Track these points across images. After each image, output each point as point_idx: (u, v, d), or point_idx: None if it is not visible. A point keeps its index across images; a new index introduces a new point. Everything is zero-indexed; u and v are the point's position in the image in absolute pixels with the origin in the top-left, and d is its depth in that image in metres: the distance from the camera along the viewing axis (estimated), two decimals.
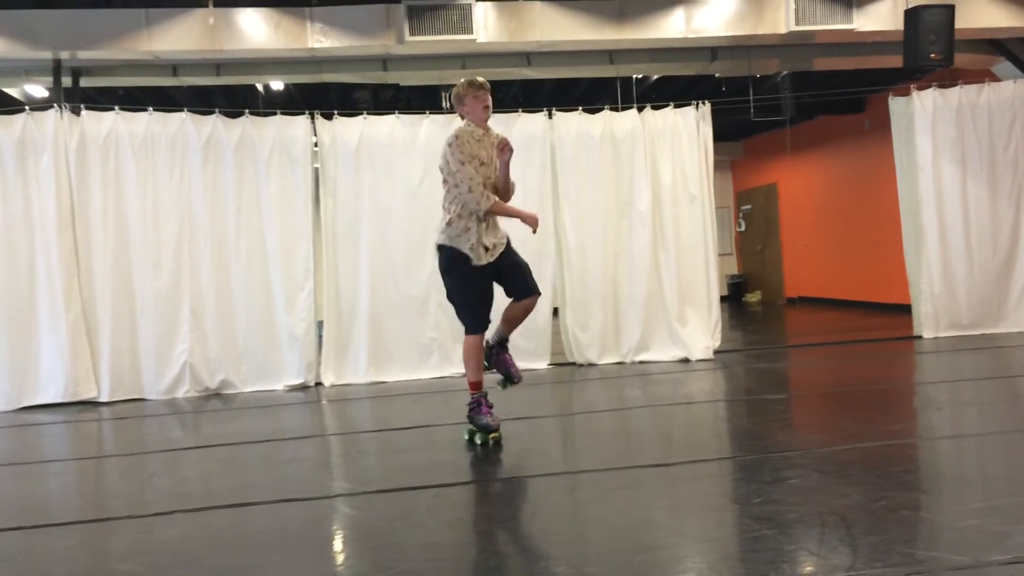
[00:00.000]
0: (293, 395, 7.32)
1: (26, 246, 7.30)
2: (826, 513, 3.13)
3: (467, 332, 4.77)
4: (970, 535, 2.83)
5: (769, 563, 2.68)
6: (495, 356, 4.93)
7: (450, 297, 4.85)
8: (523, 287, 4.79)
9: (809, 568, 2.67)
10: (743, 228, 16.86)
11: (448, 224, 4.65)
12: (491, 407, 4.79)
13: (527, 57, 8.47)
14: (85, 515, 3.87)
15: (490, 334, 4.92)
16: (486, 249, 4.65)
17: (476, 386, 4.78)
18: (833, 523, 3.01)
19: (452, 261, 4.67)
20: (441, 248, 4.72)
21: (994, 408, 5.15)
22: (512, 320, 4.88)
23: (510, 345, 5.02)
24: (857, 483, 3.50)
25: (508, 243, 4.84)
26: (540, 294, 4.85)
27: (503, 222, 4.84)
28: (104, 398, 7.33)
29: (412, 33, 7.55)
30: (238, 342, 7.60)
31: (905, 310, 9.25)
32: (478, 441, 4.68)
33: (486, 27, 7.75)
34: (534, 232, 4.78)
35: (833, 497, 3.33)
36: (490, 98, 4.76)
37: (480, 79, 4.77)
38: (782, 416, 5.43)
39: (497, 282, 4.78)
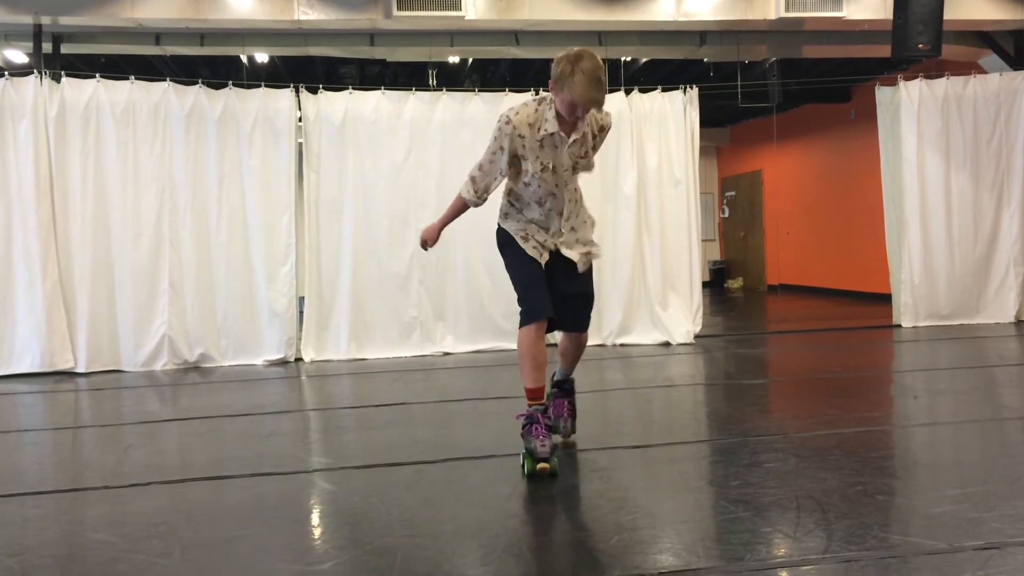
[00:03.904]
0: (272, 370, 7.29)
1: (3, 214, 7.20)
2: (802, 497, 3.14)
3: (521, 323, 3.74)
4: (944, 520, 2.85)
5: (745, 545, 2.69)
6: (551, 398, 3.97)
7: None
8: (576, 318, 3.85)
9: (784, 550, 2.68)
10: (727, 214, 16.90)
11: (508, 204, 3.86)
12: (549, 428, 3.72)
13: (516, 36, 8.41)
14: (59, 485, 3.84)
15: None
16: (541, 245, 3.75)
17: (530, 395, 3.71)
18: (809, 507, 3.03)
19: (503, 236, 3.85)
20: (499, 227, 3.91)
21: (969, 397, 5.20)
22: (565, 355, 4.03)
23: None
24: (834, 468, 3.53)
25: (589, 271, 3.83)
26: (583, 332, 3.92)
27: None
28: (81, 369, 7.27)
29: (400, 8, 7.46)
30: (218, 316, 7.55)
31: (885, 299, 9.32)
32: (524, 470, 3.61)
33: (475, 4, 7.67)
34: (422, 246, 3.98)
35: (810, 481, 3.35)
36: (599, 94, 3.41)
37: (588, 51, 3.40)
38: (761, 401, 5.46)
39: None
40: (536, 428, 3.58)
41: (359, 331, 7.80)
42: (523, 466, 3.61)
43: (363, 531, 2.97)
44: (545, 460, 3.50)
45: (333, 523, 3.18)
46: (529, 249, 3.71)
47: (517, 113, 3.55)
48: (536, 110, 3.54)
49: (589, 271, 3.84)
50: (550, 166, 3.59)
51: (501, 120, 3.58)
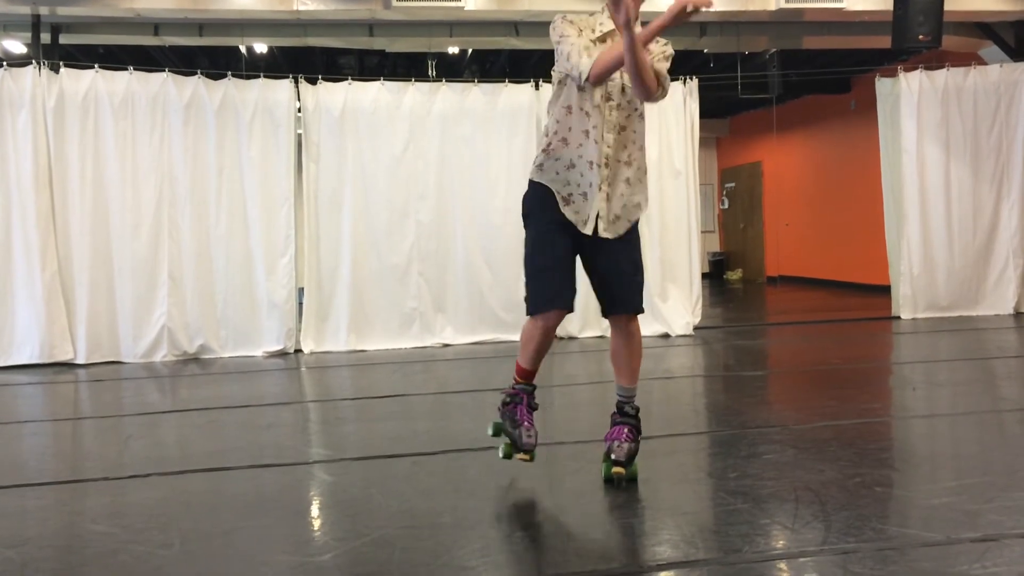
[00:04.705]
0: (272, 361, 7.30)
1: (2, 204, 7.18)
2: (800, 488, 3.15)
3: (527, 311, 3.28)
4: (942, 512, 2.86)
5: (743, 536, 2.70)
6: (611, 423, 3.40)
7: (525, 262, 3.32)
8: (615, 296, 3.29)
9: (782, 542, 2.69)
10: (726, 205, 16.88)
11: (543, 150, 3.26)
12: (533, 410, 3.34)
13: (515, 27, 8.38)
14: (59, 476, 3.85)
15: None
16: (575, 208, 3.22)
17: (522, 374, 3.35)
18: (807, 498, 3.04)
19: (531, 201, 3.29)
20: (529, 186, 3.33)
21: (968, 389, 5.21)
22: (616, 359, 3.39)
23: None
24: (832, 459, 3.53)
25: (631, 228, 3.31)
26: (639, 312, 3.31)
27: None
28: (80, 360, 7.27)
29: None
30: (217, 307, 7.55)
31: (885, 291, 9.32)
32: (500, 453, 3.38)
33: None
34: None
35: (808, 473, 3.36)
36: None
37: None
38: (760, 392, 5.47)
39: (588, 273, 3.36)
40: (520, 410, 3.28)
41: (359, 322, 7.81)
42: (496, 435, 3.40)
43: (362, 522, 2.98)
44: (527, 452, 3.24)
45: (332, 514, 3.19)
46: (570, 213, 3.19)
47: (571, 14, 3.23)
48: (590, 16, 3.25)
49: (637, 242, 3.36)
50: None
51: (556, 20, 3.19)
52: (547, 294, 3.19)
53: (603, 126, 3.18)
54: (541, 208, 3.24)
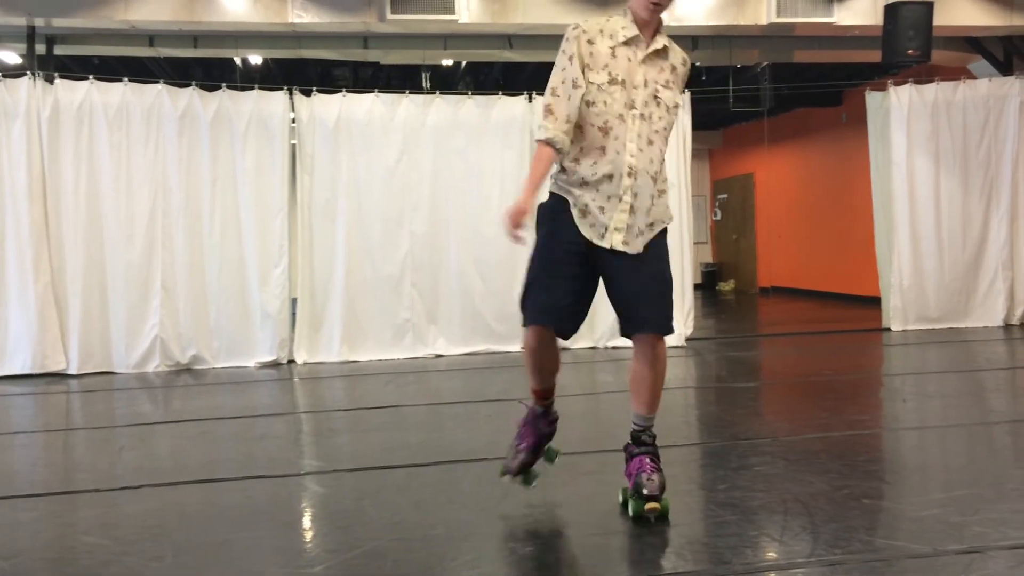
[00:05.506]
0: (265, 372, 7.30)
1: None
2: (789, 500, 3.18)
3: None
4: (929, 524, 2.89)
5: (732, 548, 2.72)
6: (626, 457, 3.17)
7: None
8: (640, 315, 3.04)
9: (771, 554, 2.72)
10: (719, 217, 16.95)
11: (560, 167, 3.09)
12: (553, 419, 3.31)
13: (509, 40, 8.43)
14: (51, 487, 3.85)
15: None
16: (590, 222, 3.01)
17: (534, 395, 3.32)
18: (796, 510, 3.06)
19: (545, 212, 3.11)
20: (548, 197, 3.15)
21: (957, 401, 5.24)
22: (636, 384, 3.14)
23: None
24: (821, 471, 3.56)
25: (657, 242, 3.07)
26: (666, 333, 3.09)
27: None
28: (73, 370, 7.26)
29: (394, 11, 7.49)
30: (210, 317, 7.55)
31: (875, 303, 9.37)
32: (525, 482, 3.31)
33: (469, 8, 7.70)
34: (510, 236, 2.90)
35: (797, 485, 3.38)
36: None
37: None
38: (751, 404, 5.50)
39: (608, 295, 3.11)
40: (526, 430, 3.30)
41: (352, 333, 7.82)
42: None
43: (354, 534, 2.99)
44: (513, 475, 3.26)
45: (324, 526, 3.20)
46: (585, 227, 3.00)
47: (586, 20, 3.06)
48: (608, 19, 3.05)
49: (665, 255, 3.11)
50: (619, 79, 2.97)
51: (568, 31, 3.03)
52: (535, 307, 3.05)
53: (625, 136, 2.98)
54: (553, 220, 3.06)
